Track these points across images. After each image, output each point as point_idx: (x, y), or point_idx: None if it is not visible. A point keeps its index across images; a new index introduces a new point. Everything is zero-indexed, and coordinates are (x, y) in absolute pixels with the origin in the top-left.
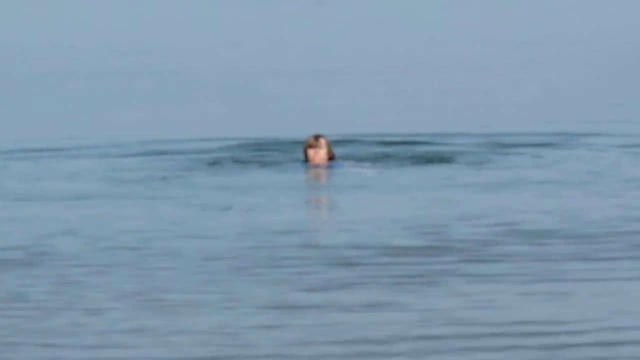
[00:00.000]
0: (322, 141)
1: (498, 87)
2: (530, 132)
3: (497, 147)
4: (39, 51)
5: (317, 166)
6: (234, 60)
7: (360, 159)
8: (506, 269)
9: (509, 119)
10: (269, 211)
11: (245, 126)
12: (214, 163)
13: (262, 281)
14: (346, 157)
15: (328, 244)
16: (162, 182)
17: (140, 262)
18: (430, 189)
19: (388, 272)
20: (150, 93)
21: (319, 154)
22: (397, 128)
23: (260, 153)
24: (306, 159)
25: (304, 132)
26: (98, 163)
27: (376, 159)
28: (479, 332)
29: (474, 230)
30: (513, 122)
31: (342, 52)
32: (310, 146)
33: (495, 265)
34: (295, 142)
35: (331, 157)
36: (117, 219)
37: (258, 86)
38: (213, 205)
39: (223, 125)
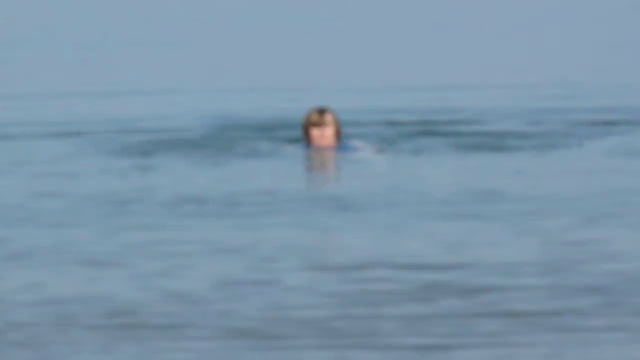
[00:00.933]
0: (329, 117)
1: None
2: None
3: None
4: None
5: (323, 149)
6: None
7: (371, 140)
8: None
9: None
10: (265, 225)
11: (221, 99)
12: (178, 146)
13: None
14: (353, 136)
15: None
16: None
17: None
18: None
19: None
20: None
21: (326, 134)
22: (408, 102)
23: (244, 134)
24: (308, 141)
25: (293, 106)
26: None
27: (391, 142)
28: None
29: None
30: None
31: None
32: (314, 124)
33: None
34: (284, 120)
35: (339, 136)
36: None
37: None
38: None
39: (194, 97)
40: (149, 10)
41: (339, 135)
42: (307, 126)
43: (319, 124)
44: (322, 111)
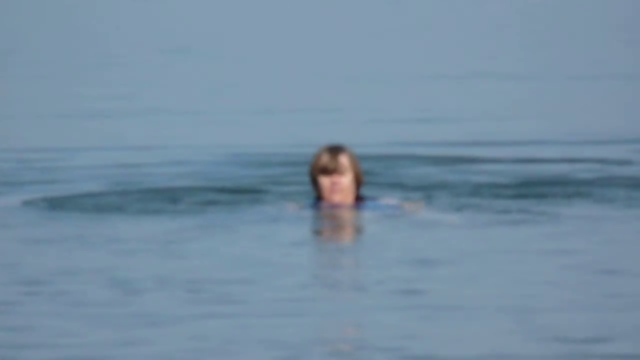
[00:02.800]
0: (344, 160)
1: None
2: None
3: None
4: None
5: (336, 207)
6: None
7: (406, 193)
8: None
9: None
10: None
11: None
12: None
13: None
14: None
15: None
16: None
17: None
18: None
19: None
20: None
21: (340, 186)
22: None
23: (232, 182)
24: (317, 194)
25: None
26: None
27: (431, 191)
28: None
29: None
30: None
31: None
32: (325, 170)
33: None
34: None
35: (359, 184)
36: None
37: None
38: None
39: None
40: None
41: (358, 183)
42: (314, 172)
43: (331, 170)
44: (334, 150)
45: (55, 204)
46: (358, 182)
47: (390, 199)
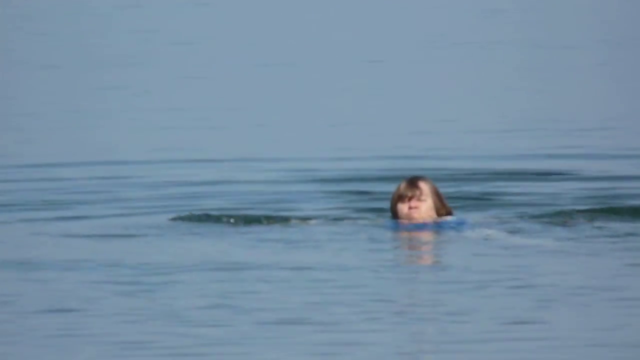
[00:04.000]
0: (422, 185)
1: None
2: None
3: None
4: None
5: (414, 226)
6: None
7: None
8: None
9: None
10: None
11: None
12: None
13: None
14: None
15: None
16: None
17: None
18: None
19: None
20: None
21: (418, 211)
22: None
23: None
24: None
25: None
26: None
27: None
28: None
29: None
30: None
31: None
32: (402, 197)
33: None
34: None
35: (440, 214)
36: None
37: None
38: None
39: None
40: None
41: (441, 211)
42: (394, 201)
43: (408, 196)
44: (413, 180)
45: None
46: (440, 213)
47: (478, 222)
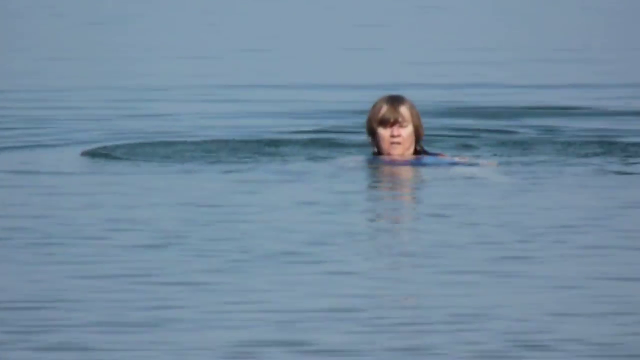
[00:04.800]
0: (405, 110)
1: None
2: None
3: None
4: None
5: (395, 162)
6: None
7: (468, 147)
8: None
9: None
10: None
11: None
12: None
13: None
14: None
15: None
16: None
17: None
18: None
19: None
20: None
21: (401, 139)
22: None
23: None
24: (376, 147)
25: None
26: None
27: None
28: None
29: None
30: None
31: None
32: (384, 121)
33: None
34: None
35: (418, 138)
36: None
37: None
38: None
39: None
40: None
41: (419, 139)
42: (372, 123)
43: (391, 120)
44: (395, 100)
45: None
46: (418, 135)
47: (454, 157)
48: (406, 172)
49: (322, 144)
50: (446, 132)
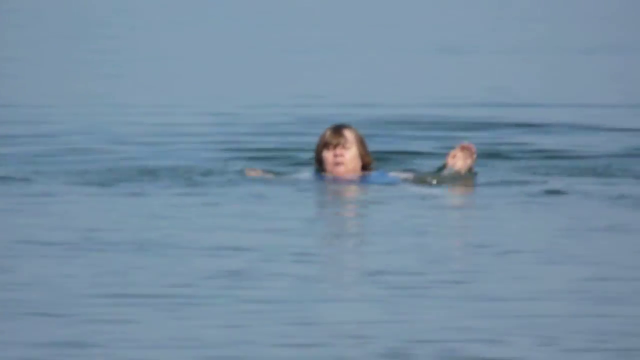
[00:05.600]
0: (349, 134)
1: None
2: None
3: None
4: None
5: (339, 180)
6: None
7: (413, 167)
8: None
9: None
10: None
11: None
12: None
13: None
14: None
15: None
16: None
17: None
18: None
19: None
20: None
21: (343, 160)
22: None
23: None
24: (321, 168)
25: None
26: None
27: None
28: None
29: None
30: None
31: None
32: (327, 144)
33: None
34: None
35: (366, 165)
36: None
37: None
38: None
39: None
40: None
41: (365, 161)
42: (319, 148)
43: (334, 143)
44: (338, 128)
45: None
46: (364, 158)
47: (397, 174)
48: (349, 190)
49: (267, 160)
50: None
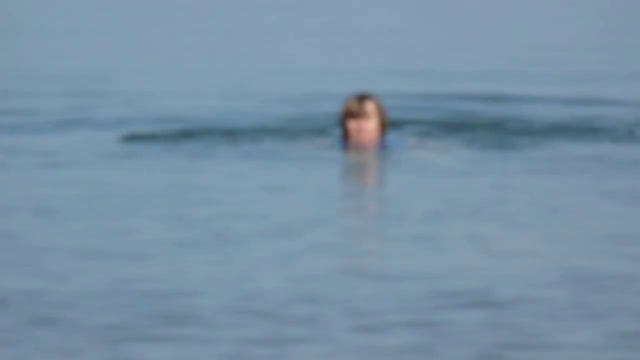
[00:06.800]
0: (371, 106)
1: None
2: None
3: None
4: None
5: (363, 148)
6: None
7: (429, 134)
8: None
9: None
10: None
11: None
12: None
13: None
14: (405, 129)
15: None
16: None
17: None
18: None
19: None
20: None
21: (367, 128)
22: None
23: (262, 124)
24: (345, 135)
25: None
26: None
27: (459, 132)
28: None
29: None
30: None
31: None
32: (352, 114)
33: None
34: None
35: (383, 129)
36: None
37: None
38: None
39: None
40: None
41: (384, 128)
42: (343, 117)
43: (358, 114)
44: (362, 98)
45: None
46: (383, 125)
47: (413, 139)
48: (371, 158)
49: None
50: (415, 118)
